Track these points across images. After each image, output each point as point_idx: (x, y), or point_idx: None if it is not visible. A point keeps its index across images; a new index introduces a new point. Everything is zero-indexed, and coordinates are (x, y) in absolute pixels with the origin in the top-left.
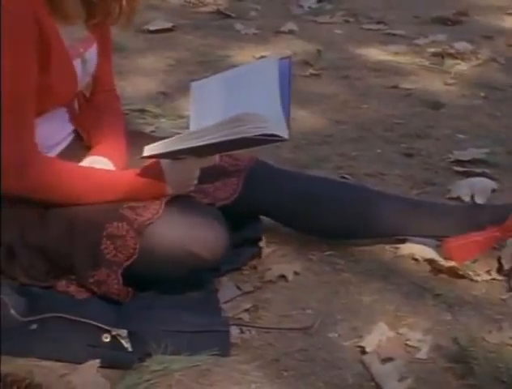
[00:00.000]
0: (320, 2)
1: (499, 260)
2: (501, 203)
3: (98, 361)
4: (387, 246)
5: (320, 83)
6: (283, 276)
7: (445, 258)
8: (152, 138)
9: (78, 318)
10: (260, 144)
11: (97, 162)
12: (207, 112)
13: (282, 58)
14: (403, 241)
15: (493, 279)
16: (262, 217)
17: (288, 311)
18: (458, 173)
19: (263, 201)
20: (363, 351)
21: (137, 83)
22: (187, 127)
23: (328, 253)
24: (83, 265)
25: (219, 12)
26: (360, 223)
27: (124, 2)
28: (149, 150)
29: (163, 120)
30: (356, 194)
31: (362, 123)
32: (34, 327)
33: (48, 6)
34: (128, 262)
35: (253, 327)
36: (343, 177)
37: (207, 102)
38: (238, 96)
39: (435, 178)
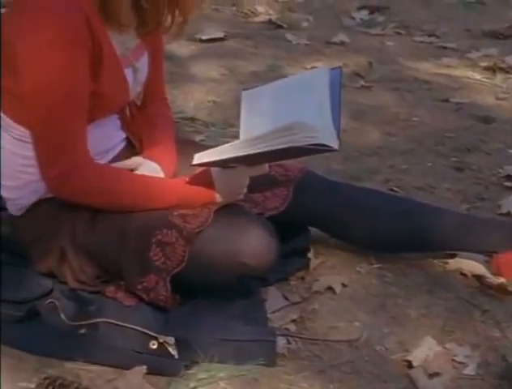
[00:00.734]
0: (372, 13)
1: None
2: None
3: (145, 367)
4: (435, 260)
5: (371, 95)
6: (330, 288)
7: (494, 274)
8: (202, 147)
9: (126, 324)
10: (310, 154)
11: (147, 166)
12: (258, 121)
13: (332, 68)
14: (452, 256)
15: None
16: (310, 228)
17: (335, 323)
18: (508, 188)
19: (312, 212)
20: (410, 365)
21: (188, 91)
22: (237, 136)
23: (376, 265)
24: (131, 271)
25: (270, 22)
26: (408, 236)
27: (176, 12)
28: (199, 158)
29: (213, 128)
30: (405, 208)
31: (413, 136)
32: (83, 331)
33: (100, 15)
34: (177, 270)
35: (299, 337)
36: (393, 190)
37: (258, 111)
38: (289, 106)
39: (485, 193)
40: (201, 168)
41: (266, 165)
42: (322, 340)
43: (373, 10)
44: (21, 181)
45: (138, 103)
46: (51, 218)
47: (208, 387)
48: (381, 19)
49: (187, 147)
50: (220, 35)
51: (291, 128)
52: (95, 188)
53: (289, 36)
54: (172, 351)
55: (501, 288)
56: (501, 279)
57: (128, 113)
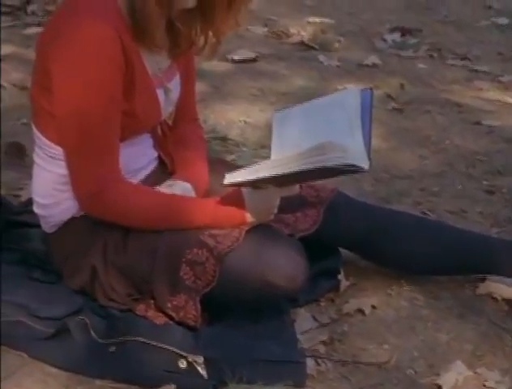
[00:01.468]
0: (404, 36)
1: None
2: None
3: (174, 386)
4: (466, 284)
5: (402, 118)
6: (360, 310)
7: None
8: (234, 167)
9: (155, 343)
10: (341, 175)
11: (178, 186)
12: (289, 141)
13: (363, 90)
14: (482, 280)
15: None
16: (341, 249)
17: (364, 345)
18: None
19: (343, 233)
20: None
21: (220, 111)
22: (268, 156)
23: (407, 288)
24: (162, 290)
25: (302, 43)
26: (438, 259)
27: (210, 33)
28: (230, 178)
29: (244, 149)
30: (435, 231)
31: (444, 159)
32: (112, 349)
33: (133, 35)
34: (207, 289)
35: (329, 359)
36: (424, 213)
37: (289, 132)
38: (320, 126)
39: None
40: (232, 188)
41: (298, 186)
42: (352, 362)
43: (405, 32)
44: (54, 198)
45: (170, 123)
46: (83, 236)
47: None
48: (413, 41)
49: (219, 166)
50: (252, 55)
51: (322, 148)
52: (126, 207)
53: (321, 58)
54: (201, 370)
55: None
56: None
57: (160, 132)
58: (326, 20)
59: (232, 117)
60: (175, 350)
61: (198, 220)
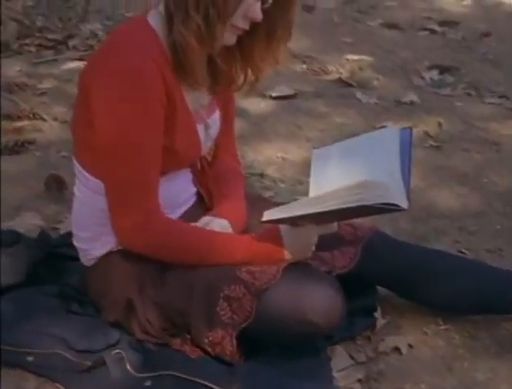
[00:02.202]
0: (442, 74)
1: None
2: None
3: None
4: (503, 323)
5: (440, 156)
6: (397, 348)
7: None
8: (271, 203)
9: (191, 378)
10: (379, 213)
11: (216, 223)
12: (327, 179)
13: (403, 128)
14: None
15: None
16: (378, 287)
17: (400, 384)
18: None
19: (380, 271)
20: None
21: (258, 147)
22: (306, 193)
23: (443, 327)
24: (198, 325)
25: (340, 80)
26: (476, 299)
27: (249, 71)
28: (269, 215)
29: (282, 185)
30: (473, 270)
31: (482, 197)
32: (148, 383)
33: (175, 71)
34: (243, 325)
35: None
36: (461, 252)
37: (327, 169)
38: (359, 164)
39: None
40: (270, 225)
41: (336, 224)
42: None
43: (443, 70)
44: (93, 232)
45: (209, 158)
46: (120, 270)
47: None
48: (451, 79)
49: (256, 202)
50: (291, 92)
51: (361, 186)
52: (164, 242)
53: (359, 95)
54: None
55: None
56: None
57: (199, 167)
58: (365, 58)
59: (269, 153)
60: (210, 385)
61: (235, 257)
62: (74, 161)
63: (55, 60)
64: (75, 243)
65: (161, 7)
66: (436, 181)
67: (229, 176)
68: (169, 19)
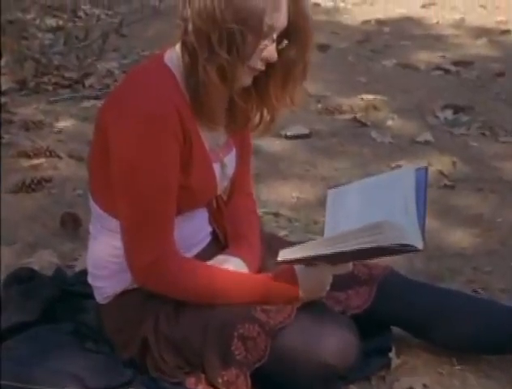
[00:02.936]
0: (456, 113)
1: None
2: None
3: None
4: None
5: (455, 195)
6: None
7: None
8: (286, 243)
9: None
10: (394, 254)
11: (231, 262)
12: (342, 219)
13: (418, 168)
14: None
15: None
16: (392, 326)
17: None
18: None
19: (395, 312)
20: None
21: (272, 186)
22: (321, 232)
23: (458, 367)
24: (213, 364)
25: (355, 120)
26: (491, 339)
27: (265, 111)
28: (284, 254)
29: (296, 224)
30: (488, 310)
31: (496, 236)
32: None
33: (193, 111)
34: (258, 364)
35: None
36: (476, 291)
37: (343, 209)
38: (374, 204)
39: None
40: (285, 265)
41: (350, 264)
42: None
43: (457, 109)
44: (108, 270)
45: (225, 197)
46: (135, 308)
47: None
48: (465, 118)
49: (271, 242)
50: (305, 131)
51: (376, 227)
52: (180, 281)
53: (374, 134)
54: None
55: None
56: None
57: (215, 205)
58: (379, 97)
59: (284, 192)
60: None
61: (250, 296)
62: (90, 199)
63: (72, 98)
64: (90, 281)
65: (178, 47)
66: (450, 221)
67: (245, 215)
68: (191, 58)
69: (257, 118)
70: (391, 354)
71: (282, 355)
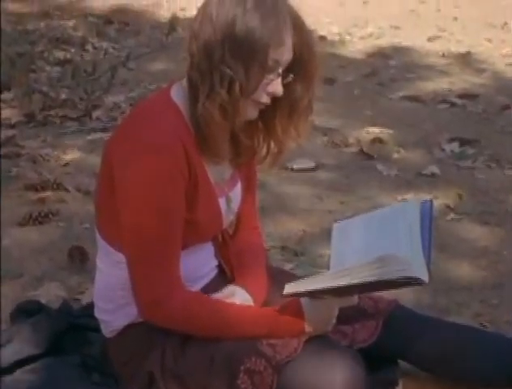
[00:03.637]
0: (462, 146)
1: None
2: None
3: None
4: None
5: (461, 228)
6: None
7: None
8: (292, 276)
9: None
10: (400, 287)
11: (238, 295)
12: (348, 252)
13: (423, 201)
14: None
15: None
16: (399, 360)
17: None
18: None
19: (402, 346)
20: None
21: (278, 220)
22: (327, 266)
23: None
24: None
25: (361, 153)
26: (498, 372)
27: (272, 144)
28: (290, 288)
29: (303, 257)
30: (495, 344)
31: (503, 270)
32: None
33: (198, 146)
34: None
35: None
36: (483, 325)
37: (348, 242)
38: (379, 237)
39: None
40: (291, 298)
41: (356, 297)
42: None
43: (463, 142)
44: (115, 303)
45: (231, 231)
46: (141, 342)
47: None
48: (471, 151)
49: (277, 275)
50: (312, 164)
51: (382, 261)
52: (186, 315)
53: (380, 167)
54: None
55: None
56: None
57: (221, 239)
58: (385, 130)
59: (290, 225)
60: None
61: (256, 330)
62: (97, 233)
63: (79, 131)
64: (97, 314)
65: (184, 82)
66: (456, 254)
67: (251, 249)
68: (194, 93)
69: (263, 151)
70: (398, 388)
71: None
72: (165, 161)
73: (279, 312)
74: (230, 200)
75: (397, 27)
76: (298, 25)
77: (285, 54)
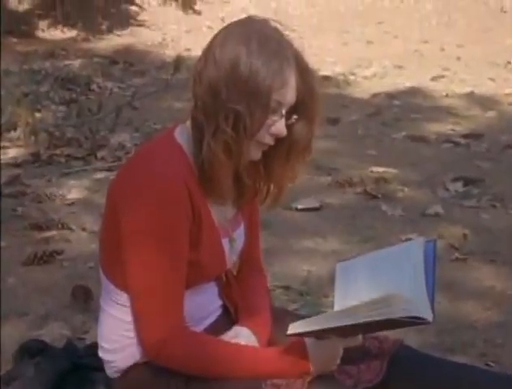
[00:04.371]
0: (467, 185)
1: None
2: None
3: None
4: None
5: (466, 268)
6: None
7: None
8: (296, 316)
9: None
10: (404, 326)
11: (241, 335)
12: (352, 292)
13: (427, 241)
14: None
15: None
16: None
17: None
18: None
19: (406, 386)
20: None
21: (283, 260)
22: (331, 306)
23: None
24: None
25: (366, 193)
26: None
27: (271, 185)
28: (294, 328)
29: (307, 298)
30: (500, 384)
31: (508, 308)
32: None
33: (201, 187)
34: None
35: None
36: (488, 365)
37: (352, 282)
38: (383, 277)
39: None
40: (295, 338)
41: (361, 337)
42: None
43: (468, 182)
44: (119, 344)
45: (235, 272)
46: (145, 382)
47: None
48: (475, 191)
49: (282, 316)
50: (316, 204)
51: (386, 300)
52: (190, 356)
53: (384, 207)
54: None
55: None
56: None
57: (224, 280)
58: (389, 170)
59: (294, 265)
60: None
61: (261, 370)
62: (101, 273)
63: (84, 170)
64: (101, 354)
65: (188, 123)
66: (461, 293)
67: (255, 289)
68: (199, 133)
69: (264, 191)
70: None
71: None
72: (170, 203)
73: (283, 352)
74: (233, 241)
75: (401, 67)
76: (302, 67)
77: (288, 96)
